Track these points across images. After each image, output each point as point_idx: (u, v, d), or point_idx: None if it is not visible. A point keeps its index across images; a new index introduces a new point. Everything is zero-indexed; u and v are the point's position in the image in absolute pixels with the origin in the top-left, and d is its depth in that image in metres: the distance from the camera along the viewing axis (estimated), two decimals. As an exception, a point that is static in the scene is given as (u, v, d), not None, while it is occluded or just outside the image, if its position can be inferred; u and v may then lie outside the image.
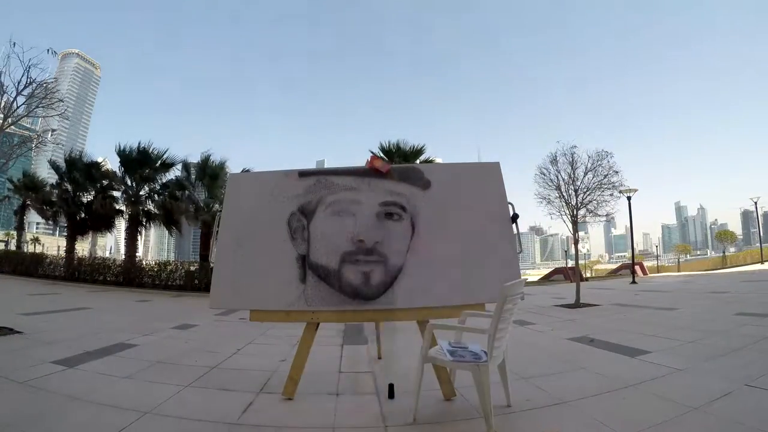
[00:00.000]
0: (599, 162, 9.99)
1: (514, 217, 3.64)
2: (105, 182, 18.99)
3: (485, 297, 3.41)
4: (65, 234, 21.15)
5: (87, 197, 19.07)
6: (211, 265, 3.71)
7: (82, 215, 19.02)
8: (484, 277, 3.46)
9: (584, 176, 10.04)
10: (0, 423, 2.72)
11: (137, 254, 18.59)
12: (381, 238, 3.50)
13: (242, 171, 16.08)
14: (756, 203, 29.15)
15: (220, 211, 3.79)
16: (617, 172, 9.95)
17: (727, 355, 4.40)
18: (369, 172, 3.73)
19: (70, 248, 18.89)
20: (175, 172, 18.81)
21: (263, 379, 3.90)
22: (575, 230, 10.38)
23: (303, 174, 3.79)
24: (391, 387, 3.36)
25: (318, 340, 3.36)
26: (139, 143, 18.00)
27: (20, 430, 2.63)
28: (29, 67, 6.11)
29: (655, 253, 75.55)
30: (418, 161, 17.68)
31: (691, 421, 2.73)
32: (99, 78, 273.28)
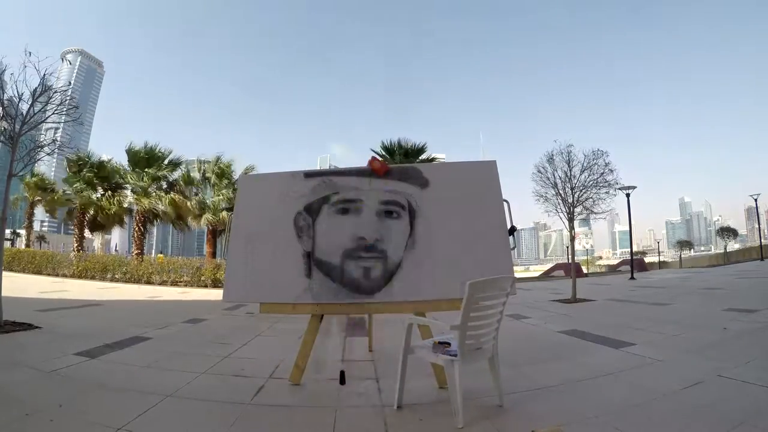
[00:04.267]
0: (595, 161, 10.27)
1: (512, 230, 3.82)
2: (115, 180, 19.72)
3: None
4: (71, 231, 21.66)
5: (95, 195, 19.59)
6: (217, 261, 3.98)
7: (91, 213, 19.50)
8: (479, 272, 3.48)
9: (580, 174, 10.32)
10: (40, 405, 3.02)
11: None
12: (381, 235, 3.71)
13: (245, 169, 16.54)
14: (756, 200, 29.21)
15: (232, 211, 4.08)
16: (612, 170, 10.24)
17: (707, 348, 4.64)
18: (370, 172, 3.95)
19: (80, 246, 19.35)
20: (181, 171, 19.51)
21: (272, 366, 4.21)
22: (571, 227, 10.66)
23: (308, 175, 4.00)
24: (342, 374, 3.56)
25: (325, 332, 3.64)
26: (146, 143, 19.10)
27: (59, 409, 2.93)
28: (45, 76, 6.36)
29: (658, 249, 75.53)
30: (419, 159, 17.96)
31: (657, 406, 2.99)
32: (102, 75, 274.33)
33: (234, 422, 2.81)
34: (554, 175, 10.62)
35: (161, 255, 18.40)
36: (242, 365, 4.32)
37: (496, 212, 3.82)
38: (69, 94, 6.70)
